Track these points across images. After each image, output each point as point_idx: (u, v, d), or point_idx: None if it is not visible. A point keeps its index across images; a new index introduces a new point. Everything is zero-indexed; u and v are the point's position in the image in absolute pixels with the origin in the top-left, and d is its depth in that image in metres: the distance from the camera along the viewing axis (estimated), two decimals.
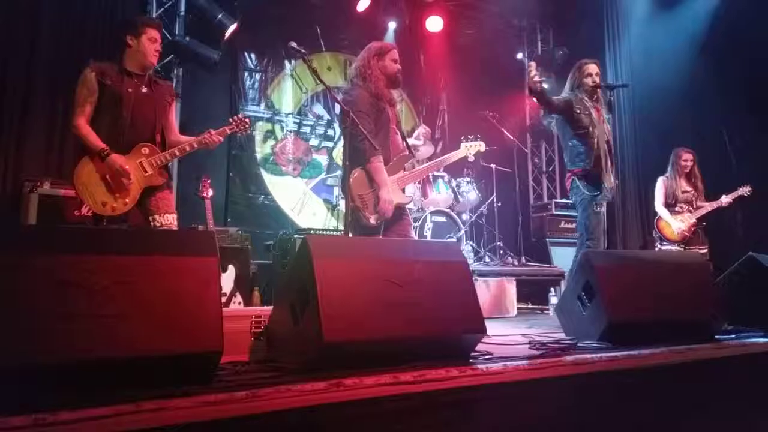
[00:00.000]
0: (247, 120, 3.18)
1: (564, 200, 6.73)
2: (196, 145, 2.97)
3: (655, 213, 5.04)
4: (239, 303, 4.10)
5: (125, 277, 1.51)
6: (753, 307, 2.92)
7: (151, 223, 2.87)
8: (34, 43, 4.48)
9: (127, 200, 2.78)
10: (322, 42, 6.51)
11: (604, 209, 3.71)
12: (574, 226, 6.24)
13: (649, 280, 2.52)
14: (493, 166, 6.11)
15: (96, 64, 2.84)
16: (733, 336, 2.64)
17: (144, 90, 2.88)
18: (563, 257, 5.73)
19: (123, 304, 1.48)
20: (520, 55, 7.83)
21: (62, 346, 1.38)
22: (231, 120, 3.14)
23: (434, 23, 6.87)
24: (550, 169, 7.87)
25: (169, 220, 2.90)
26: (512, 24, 7.62)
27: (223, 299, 3.90)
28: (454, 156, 3.67)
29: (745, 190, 4.95)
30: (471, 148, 3.79)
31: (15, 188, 4.17)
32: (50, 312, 1.40)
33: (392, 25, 6.96)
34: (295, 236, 5.02)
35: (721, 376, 2.30)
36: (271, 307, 2.18)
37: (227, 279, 4.10)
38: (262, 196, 6.24)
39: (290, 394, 1.44)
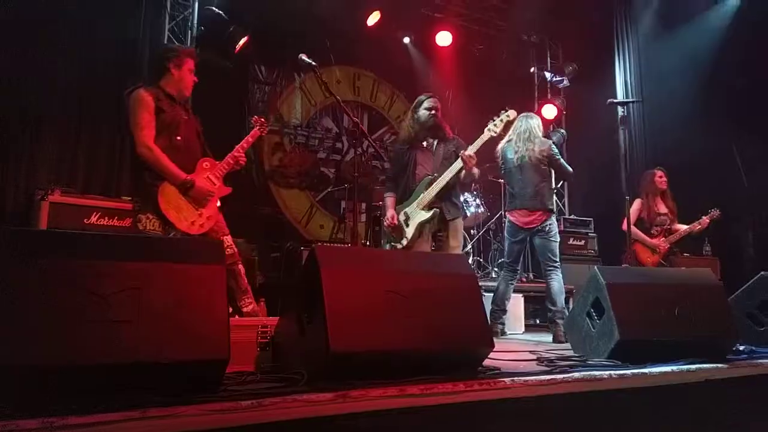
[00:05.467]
0: (263, 120, 3.32)
1: (573, 216, 6.69)
2: (241, 150, 3.08)
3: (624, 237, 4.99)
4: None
5: (134, 284, 1.52)
6: (766, 327, 2.90)
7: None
8: (49, 56, 4.55)
9: (210, 215, 2.89)
10: (331, 55, 6.57)
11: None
12: (583, 243, 6.20)
13: (659, 297, 2.48)
14: (501, 180, 6.09)
15: (148, 88, 2.86)
16: (746, 356, 2.59)
17: (185, 117, 2.96)
18: (572, 274, 5.68)
19: (131, 311, 1.48)
20: (532, 69, 7.84)
21: (71, 351, 1.38)
22: (254, 122, 3.26)
23: (444, 38, 6.92)
24: (560, 185, 7.83)
25: (229, 242, 2.96)
26: (522, 40, 7.66)
27: (230, 309, 3.88)
28: (479, 142, 3.64)
29: (715, 213, 4.91)
30: (497, 126, 3.68)
31: (27, 196, 4.22)
32: (60, 316, 1.41)
33: (406, 40, 7.01)
34: (302, 248, 5.02)
35: (734, 396, 2.26)
36: (277, 318, 2.18)
37: None
38: (270, 208, 6.26)
39: (296, 405, 1.42)
